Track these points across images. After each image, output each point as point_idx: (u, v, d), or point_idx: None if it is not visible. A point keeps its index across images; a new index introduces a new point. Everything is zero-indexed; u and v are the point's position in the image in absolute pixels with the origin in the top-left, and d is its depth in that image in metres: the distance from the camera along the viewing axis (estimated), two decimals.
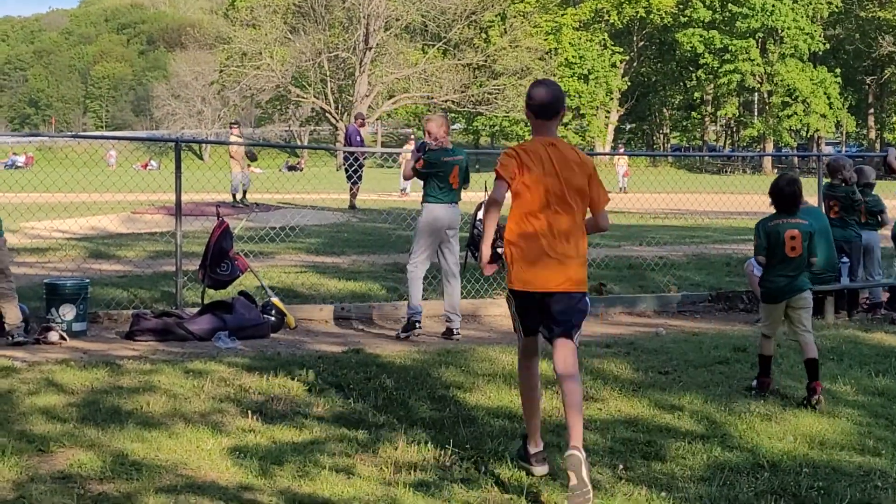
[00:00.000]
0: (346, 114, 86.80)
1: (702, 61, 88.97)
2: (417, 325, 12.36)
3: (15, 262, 16.23)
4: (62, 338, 11.68)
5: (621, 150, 74.84)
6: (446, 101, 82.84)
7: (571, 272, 6.86)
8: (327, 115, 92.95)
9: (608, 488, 6.69)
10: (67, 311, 12.02)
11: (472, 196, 13.29)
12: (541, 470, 6.95)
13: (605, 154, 72.08)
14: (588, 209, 7.02)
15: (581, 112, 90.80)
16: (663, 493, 6.57)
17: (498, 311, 13.75)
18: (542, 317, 6.93)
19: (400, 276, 15.28)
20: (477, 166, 49.18)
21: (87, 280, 12.88)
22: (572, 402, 6.71)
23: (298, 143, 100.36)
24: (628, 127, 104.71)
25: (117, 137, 71.47)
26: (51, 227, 21.65)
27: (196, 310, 12.63)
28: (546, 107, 6.97)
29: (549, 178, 6.84)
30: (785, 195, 9.45)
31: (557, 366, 6.85)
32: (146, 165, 78.69)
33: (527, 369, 7.14)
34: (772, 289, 9.47)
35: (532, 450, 7.00)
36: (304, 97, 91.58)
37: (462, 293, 12.85)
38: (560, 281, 6.83)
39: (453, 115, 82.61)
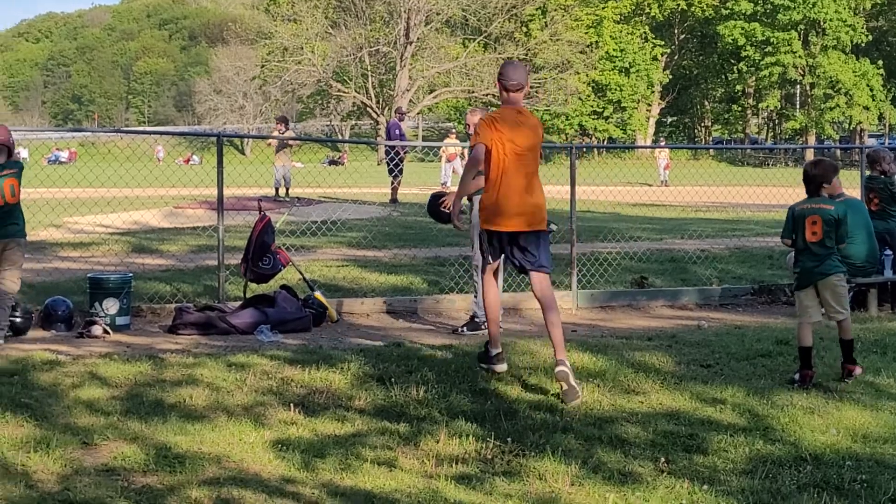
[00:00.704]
0: (386, 108, 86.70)
1: (743, 54, 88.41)
2: (484, 325, 12.28)
3: (58, 256, 16.41)
4: (105, 331, 11.76)
5: (662, 144, 74.34)
6: (487, 95, 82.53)
7: (532, 214, 8.98)
8: (368, 109, 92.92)
9: (650, 481, 6.68)
10: (111, 305, 12.08)
11: None
12: (501, 368, 9.24)
13: (646, 147, 71.71)
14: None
15: (622, 105, 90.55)
16: (705, 486, 6.55)
17: (538, 305, 13.69)
18: (510, 249, 9.06)
19: (440, 269, 15.30)
20: None
21: (131, 274, 12.93)
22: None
23: (340, 137, 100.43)
24: (669, 120, 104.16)
25: (159, 132, 71.79)
26: (94, 222, 21.79)
27: (238, 304, 12.69)
28: (515, 82, 9.10)
29: (516, 137, 8.93)
30: (807, 176, 9.55)
31: (535, 288, 9.18)
32: (188, 160, 79.06)
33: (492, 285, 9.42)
34: (799, 273, 9.52)
35: (493, 352, 9.25)
36: (345, 92, 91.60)
37: (503, 286, 12.79)
38: (526, 222, 8.96)
39: (494, 108, 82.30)
